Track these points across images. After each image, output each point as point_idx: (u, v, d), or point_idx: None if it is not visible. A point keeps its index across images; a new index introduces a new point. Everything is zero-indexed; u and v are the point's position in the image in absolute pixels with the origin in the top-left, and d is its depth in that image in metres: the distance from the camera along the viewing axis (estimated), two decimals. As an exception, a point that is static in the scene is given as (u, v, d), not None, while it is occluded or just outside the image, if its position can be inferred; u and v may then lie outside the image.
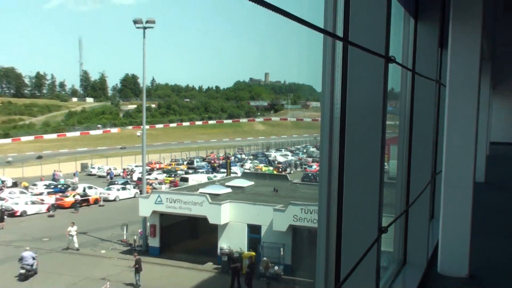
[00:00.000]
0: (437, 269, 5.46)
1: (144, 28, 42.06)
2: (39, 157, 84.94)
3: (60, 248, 32.88)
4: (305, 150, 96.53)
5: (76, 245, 32.57)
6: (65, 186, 53.39)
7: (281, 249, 29.34)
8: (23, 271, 27.08)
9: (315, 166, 68.21)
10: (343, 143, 3.02)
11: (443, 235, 5.41)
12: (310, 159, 79.87)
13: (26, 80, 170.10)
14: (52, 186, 52.37)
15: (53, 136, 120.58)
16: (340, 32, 3.04)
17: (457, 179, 5.36)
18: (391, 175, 6.05)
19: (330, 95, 3.04)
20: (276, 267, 28.59)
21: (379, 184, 3.03)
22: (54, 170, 64.22)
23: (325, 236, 3.02)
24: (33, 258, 27.59)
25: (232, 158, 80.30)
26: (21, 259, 27.37)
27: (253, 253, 29.34)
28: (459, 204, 5.36)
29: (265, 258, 28.90)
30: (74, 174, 63.65)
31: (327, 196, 3.01)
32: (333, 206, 2.99)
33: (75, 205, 44.36)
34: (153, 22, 42.72)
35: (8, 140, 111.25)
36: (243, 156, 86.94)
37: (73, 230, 32.72)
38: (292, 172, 67.31)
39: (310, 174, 56.71)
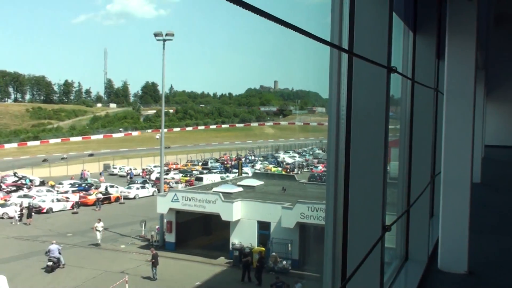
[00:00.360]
0: (437, 265, 5.44)
1: (164, 40, 42.44)
2: (63, 158, 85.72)
3: (84, 243, 33.01)
4: (311, 152, 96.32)
5: (99, 241, 32.64)
6: (88, 185, 53.62)
7: (289, 244, 29.30)
8: (50, 263, 27.25)
9: (320, 167, 68.03)
10: (348, 146, 3.02)
11: (442, 233, 5.39)
12: (316, 161, 79.68)
13: (55, 88, 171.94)
14: (77, 185, 52.63)
15: (79, 138, 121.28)
16: (345, 45, 3.05)
17: (455, 179, 5.35)
18: (392, 176, 6.03)
19: (336, 102, 3.04)
20: (284, 262, 28.57)
21: (382, 184, 3.03)
22: (82, 170, 64.62)
23: (332, 234, 3.02)
24: (59, 252, 27.77)
25: (243, 159, 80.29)
26: (48, 252, 27.55)
27: (263, 249, 29.31)
28: (457, 203, 5.34)
29: (274, 253, 28.90)
30: (100, 174, 64.16)
31: (334, 196, 3.01)
32: (340, 206, 2.99)
33: (97, 203, 44.53)
34: (172, 34, 43.08)
35: (37, 142, 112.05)
36: (254, 157, 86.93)
37: (99, 226, 32.79)
38: (299, 172, 67.15)
39: (316, 174, 56.59)
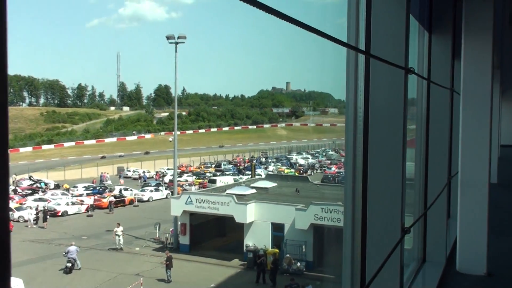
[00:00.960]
0: (455, 267, 5.38)
1: (176, 43, 42.61)
2: (103, 157, 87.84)
3: (99, 245, 33.18)
4: (324, 153, 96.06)
5: (117, 245, 32.64)
6: (102, 188, 53.94)
7: (303, 246, 29.21)
8: (69, 264, 27.45)
9: (334, 168, 67.83)
10: (366, 147, 3.00)
11: (460, 234, 5.34)
12: (329, 162, 79.45)
13: (69, 91, 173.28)
14: (91, 188, 52.96)
15: (93, 142, 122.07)
16: (362, 46, 3.04)
17: (473, 180, 5.30)
18: (408, 177, 5.98)
19: (353, 103, 3.03)
20: (298, 264, 28.51)
21: (401, 185, 3.01)
22: (102, 173, 65.22)
23: (351, 236, 3.00)
24: (77, 253, 28.03)
25: (256, 161, 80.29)
26: (66, 253, 27.76)
27: (277, 250, 29.26)
28: (475, 204, 5.29)
29: (288, 255, 28.84)
30: (119, 177, 64.77)
31: (352, 198, 3.00)
32: (358, 207, 2.97)
33: (110, 206, 44.74)
34: (184, 37, 43.27)
35: (52, 146, 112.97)
36: (266, 159, 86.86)
37: (119, 230, 32.79)
38: (312, 174, 66.98)
39: (329, 176, 56.42)
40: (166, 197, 49.08)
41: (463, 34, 5.42)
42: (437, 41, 5.62)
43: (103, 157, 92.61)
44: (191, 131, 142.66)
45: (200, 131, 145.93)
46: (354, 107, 3.04)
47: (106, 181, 59.87)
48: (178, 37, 42.91)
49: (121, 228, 32.89)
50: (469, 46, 5.42)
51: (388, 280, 2.98)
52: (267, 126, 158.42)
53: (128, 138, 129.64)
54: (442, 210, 5.45)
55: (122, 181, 60.40)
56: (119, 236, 32.58)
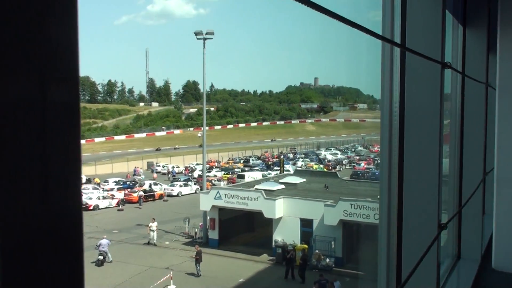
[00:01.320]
0: (491, 265, 5.28)
1: (204, 39, 42.78)
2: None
3: (129, 239, 33.63)
4: (353, 149, 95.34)
5: (154, 241, 32.89)
6: (133, 182, 54.60)
7: (332, 242, 29.09)
8: (101, 257, 27.95)
9: (363, 164, 67.29)
10: (402, 143, 2.96)
11: (497, 231, 5.23)
12: (358, 158, 78.83)
13: (99, 88, 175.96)
14: (122, 183, 53.67)
15: (123, 137, 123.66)
16: (397, 39, 2.99)
17: (509, 176, 5.17)
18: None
19: (389, 98, 2.99)
20: (327, 259, 28.41)
21: (438, 181, 2.97)
22: (135, 167, 66.34)
23: (386, 233, 2.96)
24: (108, 247, 28.53)
25: (282, 156, 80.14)
26: (98, 246, 28.26)
27: (306, 246, 29.21)
28: None
29: (317, 251, 28.76)
30: (152, 171, 65.66)
31: (388, 194, 2.96)
32: (394, 204, 2.93)
33: (139, 201, 45.26)
34: (212, 33, 43.43)
35: (83, 141, 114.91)
36: (294, 154, 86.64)
37: (153, 225, 33.02)
38: (341, 169, 66.55)
39: (358, 172, 56.00)
40: (195, 192, 49.36)
41: (499, 27, 5.28)
42: (471, 35, 5.51)
43: (158, 149, 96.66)
44: (219, 127, 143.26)
45: (229, 126, 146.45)
46: (389, 103, 3.00)
47: (140, 175, 60.74)
48: (206, 33, 43.09)
49: (155, 223, 33.12)
50: (505, 40, 5.28)
51: (425, 277, 2.94)
52: (295, 121, 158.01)
53: (157, 133, 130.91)
54: (477, 207, 5.36)
55: (155, 175, 61.34)
56: (153, 231, 32.89)
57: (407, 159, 2.98)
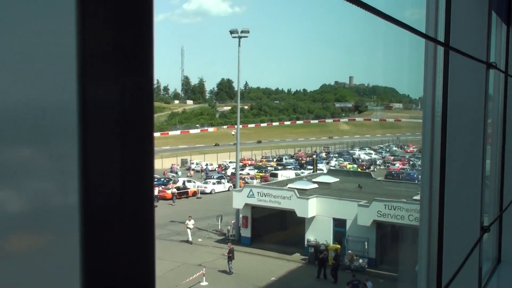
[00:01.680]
0: None
1: (240, 37, 42.91)
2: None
3: (162, 235, 33.96)
4: (388, 149, 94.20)
5: (190, 238, 33.10)
6: (166, 179, 55.21)
7: (366, 243, 28.82)
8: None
9: (398, 164, 66.40)
10: (444, 144, 2.91)
11: None
12: (392, 158, 77.85)
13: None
14: (156, 179, 54.26)
15: (157, 134, 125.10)
16: (441, 38, 2.94)
17: None
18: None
19: (431, 97, 2.94)
20: (360, 260, 28.18)
21: (480, 183, 2.90)
22: (172, 164, 67.72)
23: (427, 235, 2.91)
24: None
25: (315, 156, 79.74)
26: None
27: (338, 246, 29.03)
28: None
29: (350, 251, 28.56)
30: (188, 168, 66.57)
31: (429, 196, 2.91)
32: (435, 206, 2.88)
33: (173, 197, 45.70)
34: (247, 32, 43.52)
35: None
36: (328, 154, 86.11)
37: (190, 223, 33.26)
38: (375, 169, 65.80)
39: (393, 172, 55.28)
40: (228, 190, 49.58)
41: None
42: (516, 34, 5.37)
43: (216, 145, 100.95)
44: (253, 125, 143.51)
45: (262, 125, 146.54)
46: (431, 102, 2.95)
47: (176, 172, 61.59)
48: (241, 31, 43.25)
49: (192, 221, 33.39)
50: None
51: (466, 281, 2.88)
52: (329, 120, 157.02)
53: (192, 131, 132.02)
54: (519, 210, 5.22)
55: (192, 172, 62.09)
56: (190, 229, 33.15)
57: (449, 160, 2.93)
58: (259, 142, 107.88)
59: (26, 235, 0.72)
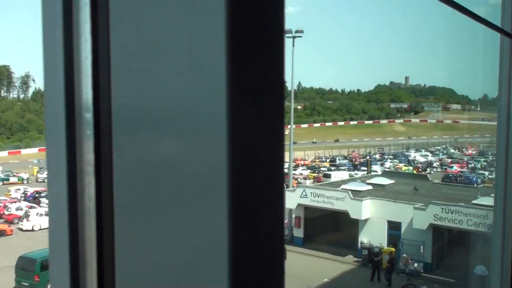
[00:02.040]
0: None
1: (294, 37, 42.87)
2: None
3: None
4: (445, 151, 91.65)
5: None
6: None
7: (421, 247, 28.14)
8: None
9: (455, 167, 64.50)
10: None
11: None
12: (449, 160, 75.64)
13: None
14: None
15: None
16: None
17: None
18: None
19: (507, 97, 2.79)
20: (415, 264, 27.55)
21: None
22: None
23: (500, 240, 2.77)
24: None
25: (368, 157, 78.51)
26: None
27: (393, 249, 28.44)
28: None
29: (405, 255, 27.97)
30: None
31: (503, 200, 2.77)
32: (510, 210, 2.74)
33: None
34: (301, 31, 43.39)
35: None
36: (382, 155, 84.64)
37: None
38: (432, 172, 64.10)
39: (450, 175, 53.66)
40: (281, 190, 49.46)
41: None
42: None
43: (336, 140, 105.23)
44: (306, 125, 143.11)
45: (315, 125, 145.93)
46: (507, 103, 2.79)
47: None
48: (296, 32, 43.16)
49: None
50: None
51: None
52: (384, 121, 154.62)
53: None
54: None
55: (285, 172, 62.83)
56: None
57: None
58: (314, 142, 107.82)
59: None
